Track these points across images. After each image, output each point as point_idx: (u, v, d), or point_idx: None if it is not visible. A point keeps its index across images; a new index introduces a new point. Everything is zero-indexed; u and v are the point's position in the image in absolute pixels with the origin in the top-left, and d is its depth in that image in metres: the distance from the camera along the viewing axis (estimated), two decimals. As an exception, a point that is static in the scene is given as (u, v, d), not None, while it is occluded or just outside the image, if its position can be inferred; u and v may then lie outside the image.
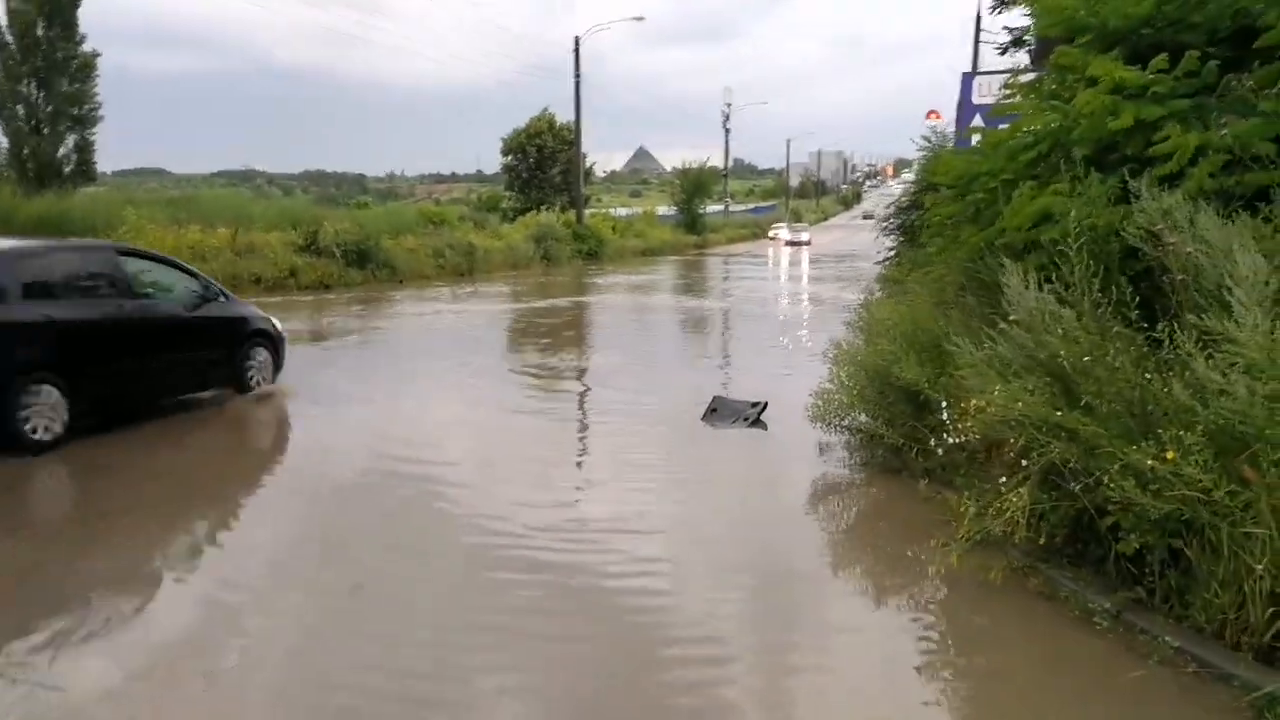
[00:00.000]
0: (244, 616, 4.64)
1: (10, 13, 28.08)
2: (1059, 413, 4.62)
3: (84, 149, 29.71)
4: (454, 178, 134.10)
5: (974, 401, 5.03)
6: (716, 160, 66.00)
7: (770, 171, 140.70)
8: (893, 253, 20.76)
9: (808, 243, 57.60)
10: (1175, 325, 4.35)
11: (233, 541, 5.96)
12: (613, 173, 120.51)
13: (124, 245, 10.37)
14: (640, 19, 41.31)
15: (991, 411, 4.80)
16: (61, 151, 29.07)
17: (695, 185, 56.40)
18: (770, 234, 64.54)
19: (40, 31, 28.58)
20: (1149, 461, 4.00)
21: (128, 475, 7.12)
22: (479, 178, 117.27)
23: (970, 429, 5.03)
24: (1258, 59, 5.99)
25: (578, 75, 39.74)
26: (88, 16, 29.85)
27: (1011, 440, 4.79)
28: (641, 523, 6.09)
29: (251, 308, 10.43)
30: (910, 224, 18.49)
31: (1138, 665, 3.97)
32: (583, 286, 27.40)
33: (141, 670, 4.07)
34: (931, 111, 56.83)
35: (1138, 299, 4.67)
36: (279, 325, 10.43)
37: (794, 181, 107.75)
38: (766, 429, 8.67)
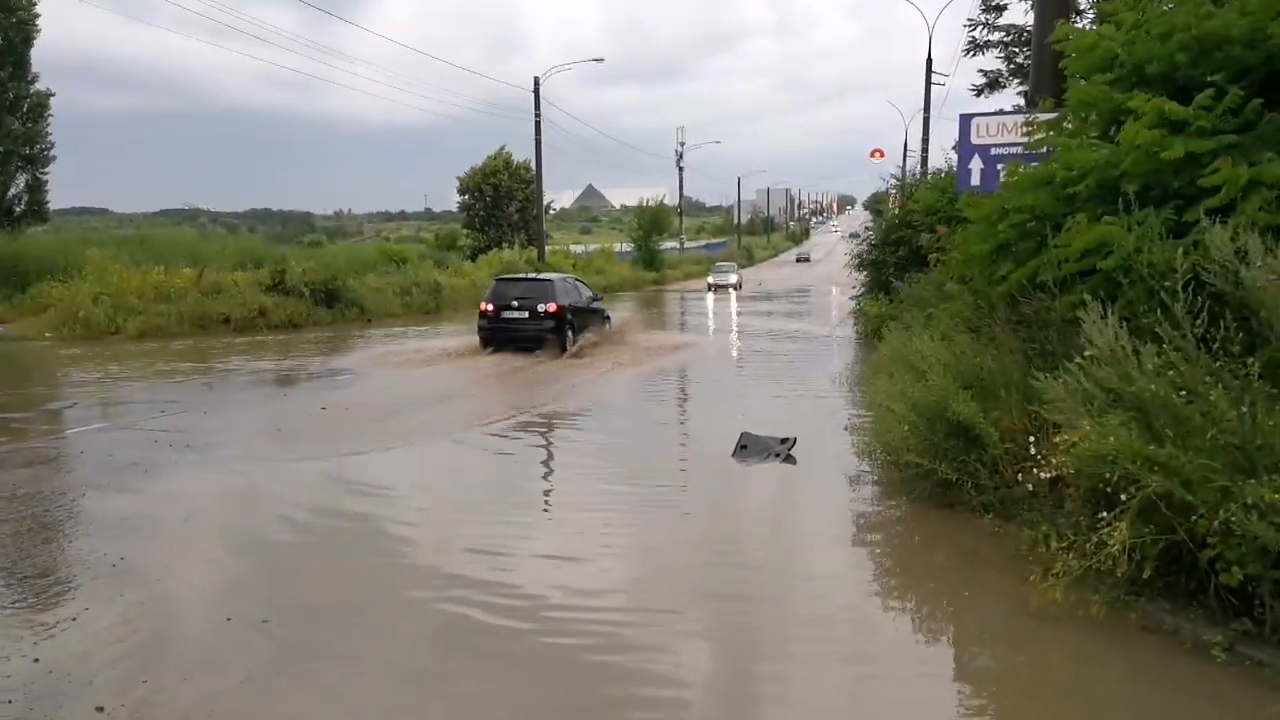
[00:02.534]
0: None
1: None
2: (1152, 447, 4.64)
3: (35, 188, 28.93)
4: (403, 215, 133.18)
5: (1063, 436, 5.02)
6: (667, 198, 66.37)
7: (718, 209, 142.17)
8: (864, 288, 21.12)
9: (736, 286, 46.90)
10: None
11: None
12: (562, 210, 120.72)
13: (573, 275, 22.96)
14: (600, 60, 41.96)
15: (1085, 446, 4.79)
16: (12, 191, 28.26)
17: (652, 222, 56.75)
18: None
19: (-10, 71, 27.88)
20: (1275, 495, 4.02)
21: (591, 355, 17.52)
22: (428, 215, 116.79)
23: (1064, 464, 5.01)
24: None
25: (538, 115, 39.93)
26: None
27: (1107, 475, 4.77)
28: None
29: (602, 303, 21.28)
30: (889, 259, 18.78)
31: (1272, 699, 3.95)
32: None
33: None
34: (876, 150, 58.09)
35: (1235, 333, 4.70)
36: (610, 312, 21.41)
37: (743, 218, 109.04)
38: (796, 464, 8.63)
